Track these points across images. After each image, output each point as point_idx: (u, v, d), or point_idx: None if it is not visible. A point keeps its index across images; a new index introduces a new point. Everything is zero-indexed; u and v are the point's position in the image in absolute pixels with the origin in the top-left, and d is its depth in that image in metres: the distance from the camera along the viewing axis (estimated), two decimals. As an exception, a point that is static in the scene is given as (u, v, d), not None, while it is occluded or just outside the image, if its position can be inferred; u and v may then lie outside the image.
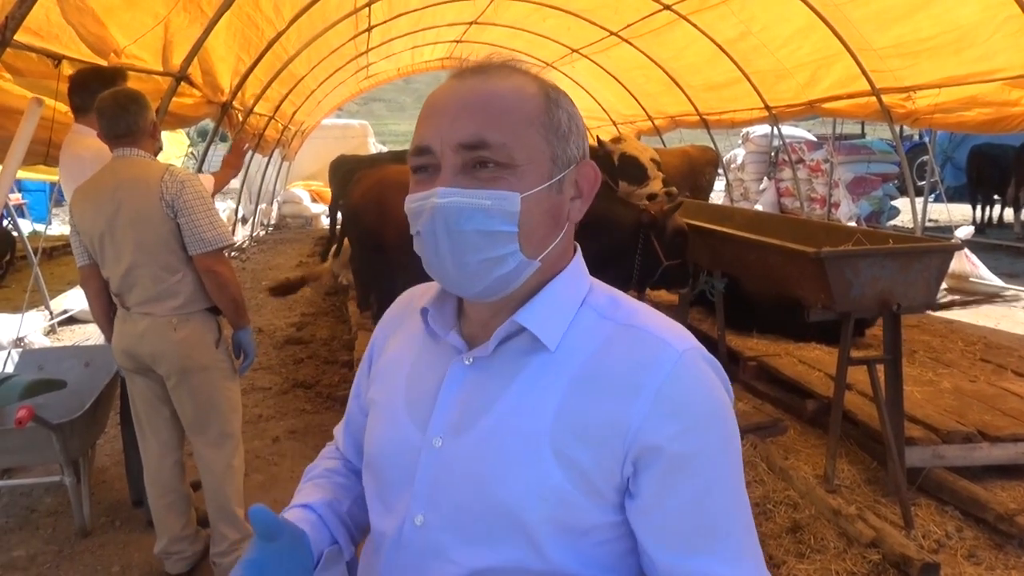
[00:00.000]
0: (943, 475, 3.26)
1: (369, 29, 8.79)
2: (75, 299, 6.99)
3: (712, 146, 9.93)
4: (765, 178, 13.09)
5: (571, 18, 9.25)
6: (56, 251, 10.65)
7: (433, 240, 0.81)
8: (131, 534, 3.13)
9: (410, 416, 0.90)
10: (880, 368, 3.18)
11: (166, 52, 4.50)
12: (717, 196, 12.91)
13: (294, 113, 11.08)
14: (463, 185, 0.80)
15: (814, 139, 12.63)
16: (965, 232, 8.92)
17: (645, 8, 7.93)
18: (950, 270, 6.12)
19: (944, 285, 7.20)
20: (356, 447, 1.07)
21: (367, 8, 7.57)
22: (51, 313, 6.68)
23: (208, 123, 6.68)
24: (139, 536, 3.10)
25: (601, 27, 9.25)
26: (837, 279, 2.98)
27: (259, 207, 13.55)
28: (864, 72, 6.41)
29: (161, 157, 2.69)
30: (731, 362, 4.68)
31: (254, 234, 12.79)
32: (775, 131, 10.61)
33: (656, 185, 3.95)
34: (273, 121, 9.44)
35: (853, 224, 8.77)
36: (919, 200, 8.65)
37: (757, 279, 3.86)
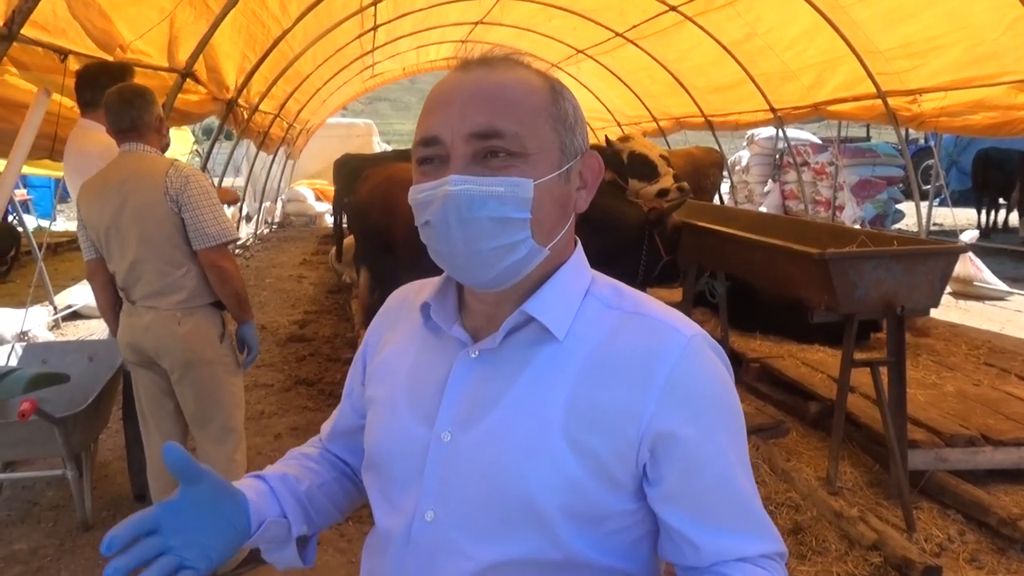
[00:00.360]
0: (946, 478, 3.25)
1: (374, 28, 8.80)
2: (79, 294, 7.01)
3: (717, 148, 9.91)
4: (770, 180, 13.08)
5: (577, 19, 9.25)
6: (60, 247, 10.68)
7: (445, 228, 0.81)
8: (132, 529, 3.13)
9: (414, 412, 0.90)
10: (883, 370, 3.18)
11: (171, 48, 4.51)
12: (722, 198, 12.88)
13: (299, 111, 11.10)
14: (475, 173, 0.79)
15: (819, 142, 12.61)
16: (969, 236, 8.91)
17: (651, 9, 7.93)
18: (954, 273, 6.10)
19: (948, 288, 7.18)
20: (344, 440, 1.08)
21: (373, 7, 7.58)
22: (55, 308, 6.69)
23: (213, 121, 6.69)
24: (140, 531, 3.10)
25: (607, 28, 9.25)
26: (841, 280, 2.97)
27: (263, 205, 13.58)
28: (870, 74, 6.40)
29: (166, 154, 2.70)
30: (734, 363, 4.61)
31: (258, 232, 12.81)
32: (780, 133, 10.60)
33: (667, 181, 3.97)
34: (278, 119, 9.46)
35: (857, 227, 8.74)
36: (924, 204, 8.62)
37: (761, 280, 3.85)
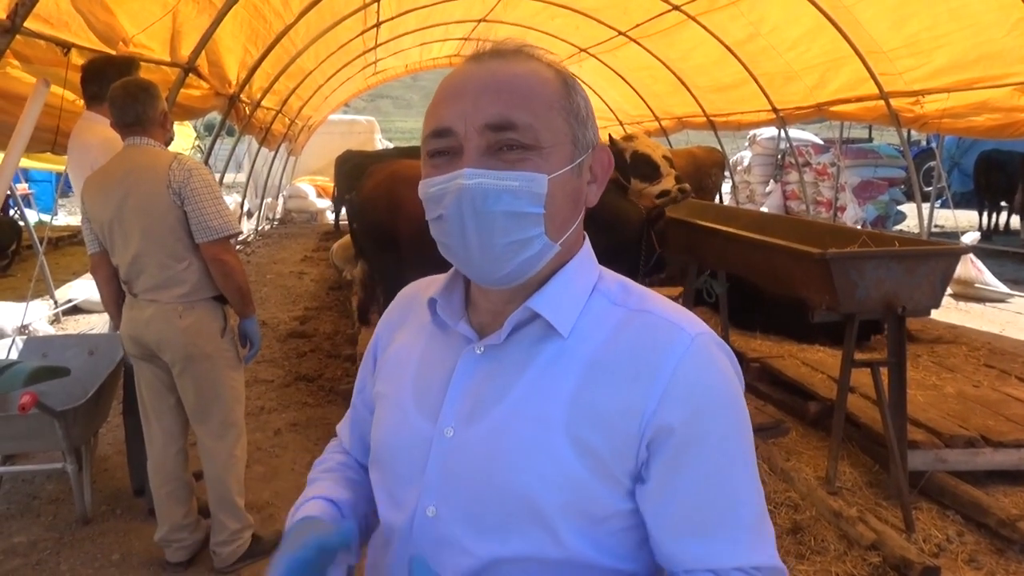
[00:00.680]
0: (945, 479, 3.25)
1: (377, 25, 8.79)
2: (80, 289, 7.01)
3: (719, 148, 9.91)
4: (771, 181, 13.08)
5: (580, 17, 9.24)
6: (62, 241, 10.69)
7: (459, 223, 0.79)
8: (132, 522, 3.14)
9: (419, 408, 0.89)
10: (884, 371, 3.17)
11: (174, 42, 4.50)
12: (723, 198, 12.87)
13: (301, 108, 11.09)
14: (489, 166, 0.78)
15: (821, 142, 12.60)
16: (971, 238, 8.90)
17: (654, 8, 7.92)
18: (955, 275, 6.10)
19: (949, 290, 7.18)
20: (362, 444, 1.06)
21: (376, 4, 7.57)
22: (56, 302, 6.69)
23: (215, 116, 6.69)
24: (140, 525, 3.11)
25: (609, 27, 9.24)
26: (842, 280, 2.97)
27: (264, 201, 13.58)
28: (873, 75, 6.39)
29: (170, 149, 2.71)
30: (734, 363, 4.68)
31: (259, 228, 12.82)
32: (782, 134, 10.59)
33: (669, 182, 3.97)
34: (280, 115, 9.45)
35: (859, 228, 8.74)
36: (925, 205, 8.61)
37: (762, 280, 3.86)
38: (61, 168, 8.27)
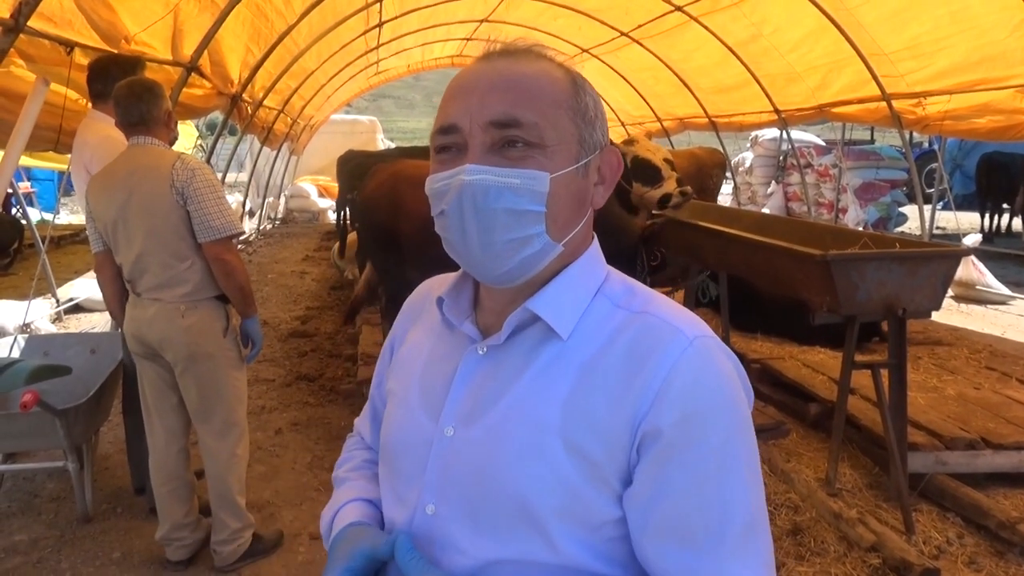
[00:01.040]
0: (945, 481, 3.25)
1: (380, 25, 8.80)
2: (82, 288, 7.02)
3: (720, 149, 9.91)
4: (773, 182, 13.07)
5: (582, 18, 9.24)
6: (64, 240, 10.71)
7: (459, 218, 0.80)
8: (132, 521, 3.14)
9: (423, 406, 0.90)
10: (884, 373, 3.17)
11: (176, 41, 4.51)
12: (724, 199, 12.88)
13: (303, 107, 11.10)
14: (492, 163, 0.79)
15: (823, 144, 12.60)
16: (973, 240, 8.90)
17: (656, 9, 7.92)
18: (957, 277, 6.10)
19: (950, 292, 7.18)
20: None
21: (378, 4, 7.58)
22: (58, 301, 6.71)
23: (217, 116, 6.70)
24: (140, 523, 3.11)
25: (612, 27, 9.24)
26: (843, 282, 2.97)
27: (266, 201, 13.59)
28: (875, 77, 6.39)
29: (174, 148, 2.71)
30: (735, 364, 4.68)
31: (261, 227, 12.82)
32: (784, 135, 10.58)
33: (670, 185, 3.97)
34: (282, 115, 9.46)
35: (860, 229, 8.74)
36: (927, 207, 8.61)
37: (763, 281, 3.86)
38: (63, 167, 8.27)
